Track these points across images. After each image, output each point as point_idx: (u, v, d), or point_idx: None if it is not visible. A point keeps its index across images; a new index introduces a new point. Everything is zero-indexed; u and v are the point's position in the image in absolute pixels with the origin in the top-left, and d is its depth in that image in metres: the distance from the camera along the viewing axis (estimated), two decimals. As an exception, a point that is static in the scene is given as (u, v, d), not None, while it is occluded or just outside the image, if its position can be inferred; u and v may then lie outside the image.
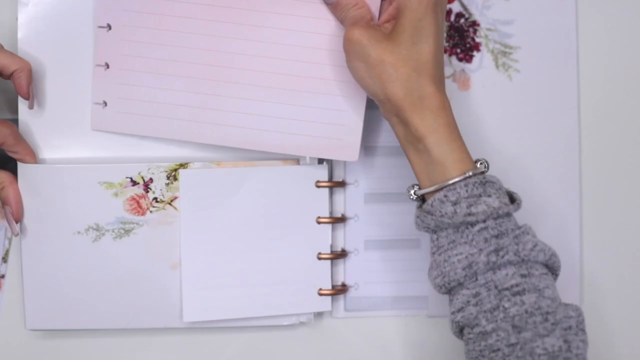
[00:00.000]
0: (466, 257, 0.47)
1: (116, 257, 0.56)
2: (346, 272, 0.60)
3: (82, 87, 0.55)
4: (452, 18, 0.63)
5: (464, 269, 0.47)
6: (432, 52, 0.50)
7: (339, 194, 0.60)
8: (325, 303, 0.59)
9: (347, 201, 0.60)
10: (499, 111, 0.63)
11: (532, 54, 0.63)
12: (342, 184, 0.60)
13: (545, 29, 0.64)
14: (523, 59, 0.63)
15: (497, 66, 0.63)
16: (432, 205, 0.49)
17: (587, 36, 0.64)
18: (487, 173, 0.50)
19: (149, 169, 0.56)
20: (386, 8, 0.53)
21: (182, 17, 0.53)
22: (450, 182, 0.48)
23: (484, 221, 0.47)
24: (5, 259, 0.58)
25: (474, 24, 0.63)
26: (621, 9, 0.65)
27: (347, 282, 0.60)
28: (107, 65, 0.54)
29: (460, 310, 0.48)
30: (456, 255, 0.47)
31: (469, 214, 0.47)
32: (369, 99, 0.55)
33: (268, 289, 0.57)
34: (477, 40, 0.63)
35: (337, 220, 0.59)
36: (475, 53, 0.63)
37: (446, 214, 0.48)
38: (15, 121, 0.55)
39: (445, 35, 0.53)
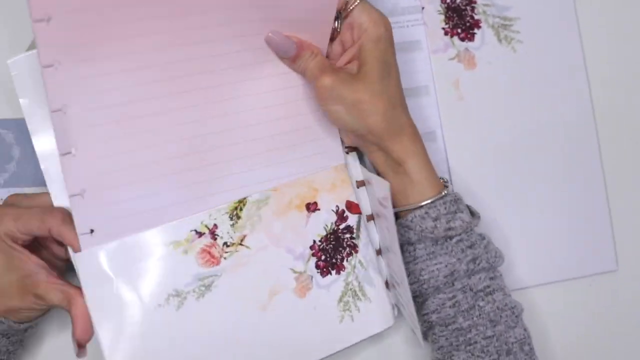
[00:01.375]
0: (446, 266, 0.53)
1: (205, 318, 0.54)
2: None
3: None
4: None
5: (445, 276, 0.53)
6: (398, 84, 0.55)
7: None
8: None
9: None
10: (508, 84, 0.64)
11: (533, 23, 0.64)
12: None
13: (542, -6, 0.64)
14: (524, 29, 0.64)
15: (499, 40, 0.64)
16: (411, 221, 0.54)
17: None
18: (457, 193, 0.56)
19: (210, 215, 0.54)
20: (338, 49, 0.56)
21: (153, 115, 0.51)
22: (430, 200, 0.54)
23: (460, 234, 0.54)
24: None
25: (471, 1, 0.64)
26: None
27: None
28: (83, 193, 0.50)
29: (435, 311, 0.54)
30: (436, 264, 0.54)
31: (449, 229, 0.53)
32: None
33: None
34: (476, 17, 0.64)
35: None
36: (476, 30, 0.64)
37: (427, 228, 0.53)
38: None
39: None
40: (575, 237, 0.63)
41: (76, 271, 0.50)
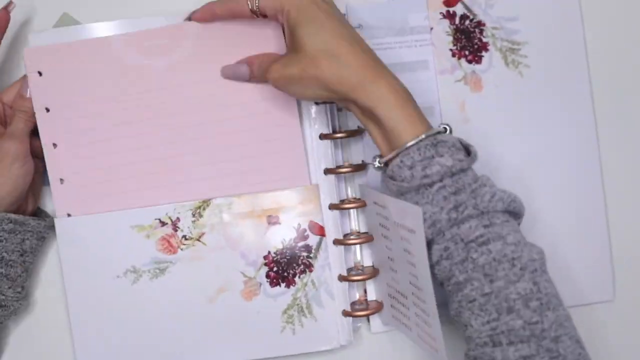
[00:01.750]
0: (430, 215, 0.49)
1: (155, 297, 0.59)
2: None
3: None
4: (457, 20, 0.62)
5: (429, 227, 0.50)
6: (337, 34, 0.52)
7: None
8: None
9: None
10: (514, 109, 0.62)
11: (541, 48, 0.62)
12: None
13: (550, 20, 0.62)
14: (532, 54, 0.62)
15: (506, 64, 0.63)
16: (392, 171, 0.51)
17: (592, 22, 0.63)
18: (446, 134, 0.52)
19: (174, 209, 0.59)
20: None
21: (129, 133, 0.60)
22: (404, 147, 0.50)
23: (441, 180, 0.49)
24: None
25: (479, 24, 0.63)
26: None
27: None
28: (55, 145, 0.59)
29: (436, 263, 0.51)
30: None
31: (425, 176, 0.49)
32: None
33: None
34: (485, 40, 0.63)
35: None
36: (483, 53, 0.63)
37: (405, 178, 0.50)
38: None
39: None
40: (573, 265, 0.62)
41: (56, 233, 0.59)
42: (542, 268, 0.49)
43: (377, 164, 0.53)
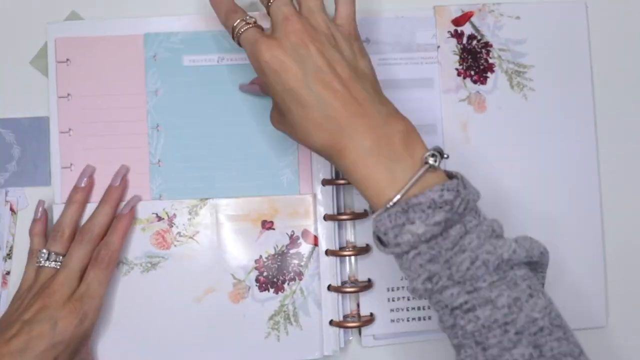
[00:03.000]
0: (410, 282, 0.47)
1: (144, 290, 0.60)
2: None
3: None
4: (465, 40, 0.63)
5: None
6: (299, 109, 0.48)
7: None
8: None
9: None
10: (516, 131, 0.62)
11: (546, 72, 0.62)
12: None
13: (558, 45, 0.63)
14: (537, 78, 0.62)
15: (511, 86, 0.63)
16: (374, 233, 0.48)
17: (599, 49, 0.63)
18: (437, 165, 0.46)
19: (172, 204, 0.60)
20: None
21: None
22: (375, 215, 0.47)
23: (416, 247, 0.45)
24: (9, 255, 0.61)
25: (487, 45, 0.63)
26: (633, 21, 0.64)
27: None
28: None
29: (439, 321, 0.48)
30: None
31: (396, 245, 0.46)
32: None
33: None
34: (491, 61, 0.63)
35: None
36: (489, 74, 0.63)
37: (379, 244, 0.48)
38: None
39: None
40: (567, 289, 0.62)
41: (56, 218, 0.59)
42: (553, 323, 0.44)
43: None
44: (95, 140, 0.61)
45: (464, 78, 0.63)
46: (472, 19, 0.63)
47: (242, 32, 0.51)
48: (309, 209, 0.61)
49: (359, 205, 0.62)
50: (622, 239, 0.64)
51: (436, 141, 0.62)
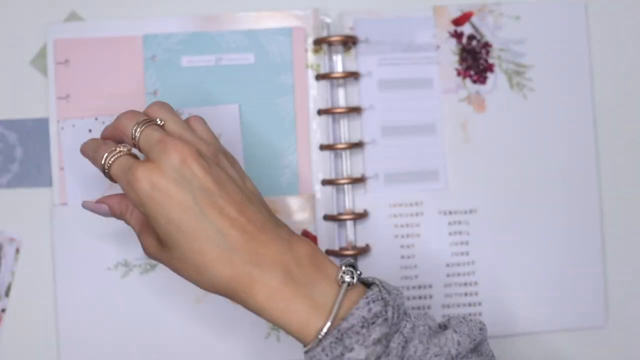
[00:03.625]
0: None
1: (143, 292, 0.60)
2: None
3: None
4: (464, 40, 0.63)
5: None
6: (194, 242, 0.42)
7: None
8: None
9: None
10: (516, 131, 0.62)
11: (546, 72, 0.62)
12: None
13: (558, 45, 0.63)
14: (537, 78, 0.62)
15: (511, 86, 0.63)
16: None
17: (599, 49, 0.63)
18: (355, 282, 0.43)
19: None
20: None
21: None
22: (307, 350, 0.42)
23: None
24: (7, 294, 0.60)
25: (487, 45, 0.63)
26: (633, 21, 0.64)
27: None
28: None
29: None
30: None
31: None
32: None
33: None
34: (490, 61, 0.63)
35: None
36: (488, 74, 0.63)
37: None
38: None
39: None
40: (566, 289, 0.62)
41: (52, 220, 0.59)
42: None
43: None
44: None
45: (464, 78, 0.63)
46: (472, 19, 0.63)
47: (111, 162, 0.45)
48: (308, 209, 0.61)
49: (359, 205, 0.62)
50: (622, 238, 0.64)
51: (435, 141, 0.62)
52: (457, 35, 0.63)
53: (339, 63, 0.62)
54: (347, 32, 0.62)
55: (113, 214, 0.50)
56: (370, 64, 0.62)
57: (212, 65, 0.61)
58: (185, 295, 0.60)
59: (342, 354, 0.41)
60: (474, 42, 0.63)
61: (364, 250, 0.61)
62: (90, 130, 0.60)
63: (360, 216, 0.60)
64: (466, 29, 0.63)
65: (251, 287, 0.42)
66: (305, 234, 0.61)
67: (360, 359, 0.40)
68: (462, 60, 0.63)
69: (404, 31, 0.62)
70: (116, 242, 0.60)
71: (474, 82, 0.63)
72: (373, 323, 0.41)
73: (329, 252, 0.60)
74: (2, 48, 0.62)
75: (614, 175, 0.64)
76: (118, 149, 0.45)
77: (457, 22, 0.63)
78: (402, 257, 0.62)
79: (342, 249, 0.61)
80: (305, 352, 0.42)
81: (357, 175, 0.62)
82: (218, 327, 0.60)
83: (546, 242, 0.63)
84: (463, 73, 0.63)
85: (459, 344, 0.42)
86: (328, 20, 0.62)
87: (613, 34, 0.64)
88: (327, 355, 0.41)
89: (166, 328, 0.60)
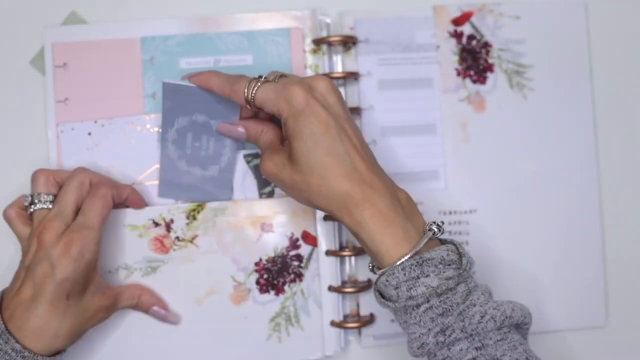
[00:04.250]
0: (419, 336, 0.47)
1: None
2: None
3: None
4: (464, 40, 0.63)
5: (418, 348, 0.48)
6: (328, 152, 0.49)
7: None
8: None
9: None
10: (515, 131, 0.62)
11: (546, 72, 0.62)
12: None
13: (558, 45, 0.63)
14: (537, 78, 0.62)
15: (511, 86, 0.63)
16: (380, 288, 0.49)
17: (599, 49, 0.63)
18: (439, 236, 0.49)
19: (169, 210, 0.60)
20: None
21: None
22: (385, 269, 0.48)
23: (428, 301, 0.47)
24: None
25: (486, 45, 0.63)
26: (633, 21, 0.64)
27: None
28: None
29: None
30: (410, 334, 0.48)
31: (410, 297, 0.47)
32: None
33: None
34: (490, 61, 0.63)
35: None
36: (488, 74, 0.62)
37: (391, 297, 0.48)
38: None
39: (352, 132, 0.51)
40: (566, 289, 0.62)
41: None
42: None
43: (374, 271, 0.51)
44: None
45: (464, 78, 0.63)
46: (472, 19, 0.63)
47: (255, 91, 0.52)
48: (308, 210, 0.61)
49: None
50: (622, 238, 0.64)
51: (435, 141, 0.62)
52: (457, 35, 0.63)
53: (338, 63, 0.62)
54: (347, 32, 0.62)
55: (248, 135, 0.56)
56: (370, 64, 0.62)
57: (211, 67, 0.61)
58: (186, 297, 0.60)
59: (418, 277, 0.47)
60: (474, 42, 0.63)
61: (364, 251, 0.61)
62: (89, 134, 0.60)
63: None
64: (466, 29, 0.63)
65: (362, 203, 0.48)
66: (306, 234, 0.61)
67: (432, 285, 0.46)
68: (462, 60, 0.63)
69: (403, 31, 0.62)
70: (116, 247, 0.59)
71: (474, 82, 0.63)
72: (449, 265, 0.47)
73: (329, 252, 0.60)
74: (2, 48, 0.62)
75: (614, 175, 0.64)
76: (256, 80, 0.52)
77: (457, 22, 0.63)
78: (403, 257, 0.62)
79: (341, 249, 0.61)
80: (382, 273, 0.48)
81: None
82: (219, 328, 0.60)
83: (546, 242, 0.63)
84: (463, 73, 0.63)
85: (512, 310, 0.47)
86: (328, 20, 0.62)
87: (613, 33, 0.64)
88: (405, 275, 0.47)
89: (167, 329, 0.60)
